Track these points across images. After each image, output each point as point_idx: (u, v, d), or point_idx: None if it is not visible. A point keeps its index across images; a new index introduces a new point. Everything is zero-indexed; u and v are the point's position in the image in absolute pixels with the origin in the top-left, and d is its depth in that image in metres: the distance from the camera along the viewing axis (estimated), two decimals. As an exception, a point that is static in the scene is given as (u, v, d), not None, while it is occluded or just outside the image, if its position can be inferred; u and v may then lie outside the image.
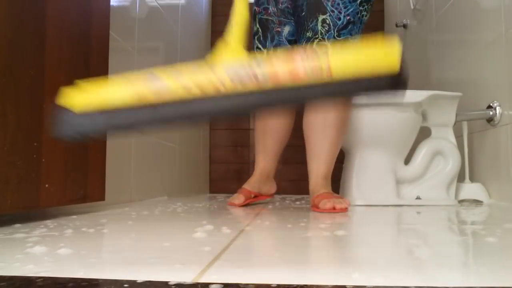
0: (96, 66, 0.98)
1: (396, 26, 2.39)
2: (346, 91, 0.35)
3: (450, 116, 1.45)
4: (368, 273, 0.35)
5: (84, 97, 0.37)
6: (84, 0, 0.93)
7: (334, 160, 1.20)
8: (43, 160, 0.77)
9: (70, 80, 0.87)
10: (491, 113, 1.37)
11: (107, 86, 0.38)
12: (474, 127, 1.52)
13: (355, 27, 1.10)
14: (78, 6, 0.91)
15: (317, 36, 1.08)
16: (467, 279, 0.33)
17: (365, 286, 0.30)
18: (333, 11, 1.07)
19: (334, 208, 0.99)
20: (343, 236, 0.58)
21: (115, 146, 1.31)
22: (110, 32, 1.26)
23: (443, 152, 1.41)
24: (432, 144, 1.41)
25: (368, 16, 1.15)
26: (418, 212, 1.03)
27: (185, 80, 0.35)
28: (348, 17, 1.08)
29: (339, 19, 1.07)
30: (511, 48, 1.27)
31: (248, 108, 0.36)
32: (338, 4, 1.07)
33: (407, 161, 1.46)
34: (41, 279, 0.33)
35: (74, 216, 0.89)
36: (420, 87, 2.13)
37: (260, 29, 1.24)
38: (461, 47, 1.64)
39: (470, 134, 1.55)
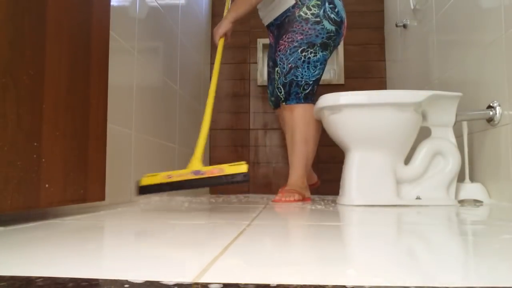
0: (96, 66, 0.98)
1: (396, 26, 2.39)
2: (228, 178, 0.99)
3: (450, 116, 1.45)
4: (368, 273, 0.35)
5: (145, 180, 1.07)
6: (84, 0, 0.93)
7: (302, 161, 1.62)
8: (43, 160, 0.77)
9: (70, 80, 0.87)
10: (491, 113, 1.37)
11: (152, 177, 1.06)
12: (474, 127, 1.52)
13: (299, 69, 1.53)
14: (78, 6, 0.91)
15: (275, 82, 1.59)
16: (467, 279, 0.33)
17: (364, 286, 0.30)
18: (280, 63, 1.55)
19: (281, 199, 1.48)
20: (343, 236, 0.58)
21: (115, 146, 1.31)
22: (110, 32, 1.26)
23: (443, 152, 1.41)
24: (432, 144, 1.41)
25: (320, 55, 1.52)
26: (418, 212, 1.03)
27: (179, 175, 1.05)
28: (290, 65, 1.53)
29: (284, 68, 1.54)
30: (511, 48, 1.27)
31: (199, 184, 1.03)
32: (282, 58, 1.54)
33: (407, 161, 1.46)
34: (41, 279, 0.33)
35: (74, 216, 0.89)
36: (420, 87, 2.13)
37: (267, 79, 1.83)
38: (461, 47, 1.64)
39: (470, 134, 1.55)
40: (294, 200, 1.45)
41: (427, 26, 2.01)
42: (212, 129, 2.81)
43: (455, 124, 1.46)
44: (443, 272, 0.35)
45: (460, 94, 1.43)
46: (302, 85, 1.54)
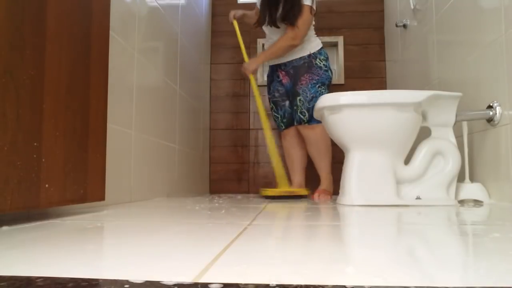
0: (96, 66, 0.98)
1: (396, 26, 2.39)
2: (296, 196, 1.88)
3: (450, 116, 1.45)
4: (368, 273, 0.35)
5: (268, 192, 1.86)
6: (84, 0, 0.93)
7: (327, 165, 2.11)
8: (43, 160, 0.77)
9: (70, 80, 0.87)
10: (491, 113, 1.37)
11: (274, 190, 1.88)
12: (474, 127, 1.52)
13: (316, 99, 1.96)
14: (78, 6, 0.91)
15: (297, 107, 2.01)
16: (467, 279, 0.33)
17: (364, 286, 0.30)
18: (303, 93, 2.00)
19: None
20: (343, 236, 0.58)
21: (115, 146, 1.31)
22: (110, 32, 1.26)
23: (443, 152, 1.41)
24: (432, 144, 1.41)
25: (326, 91, 2.04)
26: (418, 212, 1.03)
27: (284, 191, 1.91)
28: (312, 95, 1.99)
29: (307, 97, 1.99)
30: (511, 48, 1.27)
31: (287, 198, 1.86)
32: (305, 90, 2.00)
33: (407, 161, 1.46)
34: (41, 279, 0.33)
35: (74, 216, 0.89)
36: (420, 87, 2.13)
37: (274, 106, 2.18)
38: (461, 47, 1.64)
39: (470, 134, 1.55)
40: (328, 199, 1.88)
41: (427, 26, 2.01)
42: (212, 129, 2.82)
43: (455, 124, 1.46)
44: (443, 272, 0.35)
45: (460, 94, 1.43)
46: None
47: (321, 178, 2.06)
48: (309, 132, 2.02)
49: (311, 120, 1.99)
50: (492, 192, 1.40)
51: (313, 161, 2.08)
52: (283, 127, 2.17)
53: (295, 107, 2.01)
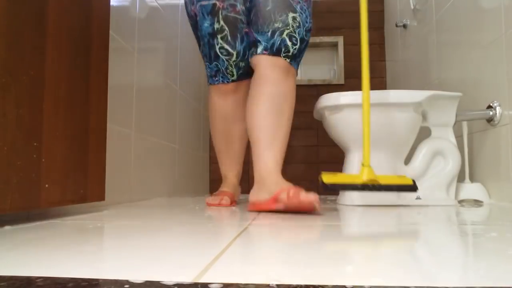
0: (96, 66, 0.98)
1: (396, 26, 2.39)
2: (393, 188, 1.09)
3: (450, 116, 1.45)
4: (368, 273, 0.35)
5: (331, 178, 1.02)
6: (84, 0, 0.93)
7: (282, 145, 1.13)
8: (43, 160, 0.77)
9: (70, 80, 0.87)
10: (491, 113, 1.37)
11: (339, 176, 1.04)
12: (474, 127, 1.52)
13: (310, 32, 1.18)
14: (78, 6, 0.91)
15: (288, 27, 1.11)
16: (467, 279, 0.33)
17: (364, 286, 0.30)
18: (301, 13, 1.14)
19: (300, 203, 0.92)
20: (343, 236, 0.58)
21: (115, 146, 1.31)
22: (110, 32, 1.26)
23: (443, 152, 1.41)
24: (432, 144, 1.41)
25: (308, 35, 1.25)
26: (418, 212, 1.03)
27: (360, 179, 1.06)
28: (311, 24, 1.17)
29: (307, 22, 1.15)
30: (511, 48, 1.27)
31: (380, 189, 1.06)
32: (305, 10, 1.15)
33: (407, 161, 1.46)
34: (41, 279, 0.33)
35: (74, 216, 0.89)
36: (420, 87, 2.13)
37: (227, 28, 1.21)
38: (461, 47, 1.64)
39: (470, 134, 1.55)
40: (317, 198, 0.95)
41: (427, 26, 2.01)
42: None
43: (455, 124, 1.46)
44: (443, 272, 0.35)
45: (460, 94, 1.43)
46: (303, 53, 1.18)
47: (268, 165, 1.07)
48: (280, 75, 1.12)
49: (295, 59, 1.15)
50: (492, 192, 1.40)
51: (258, 132, 1.10)
52: (231, 78, 1.28)
53: (281, 27, 1.11)
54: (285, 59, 1.12)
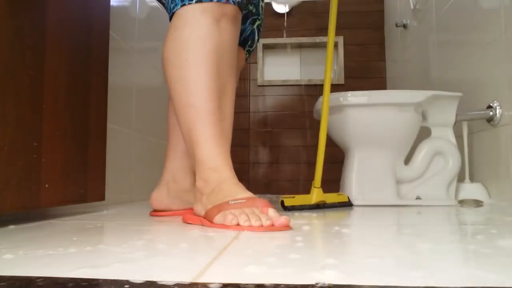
0: (96, 66, 0.98)
1: (396, 26, 2.39)
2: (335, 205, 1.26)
3: (450, 116, 1.45)
4: (368, 272, 0.35)
5: (290, 201, 1.16)
6: (84, 0, 0.93)
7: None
8: (43, 160, 0.77)
9: (70, 80, 0.87)
10: (491, 113, 1.37)
11: (296, 199, 1.18)
12: (474, 127, 1.52)
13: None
14: (78, 6, 0.91)
15: (259, 19, 1.05)
16: (467, 279, 0.33)
17: (364, 286, 0.30)
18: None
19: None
20: (343, 236, 0.58)
21: (115, 146, 1.31)
22: (110, 32, 1.26)
23: (443, 152, 1.41)
24: (432, 144, 1.41)
25: None
26: (418, 212, 1.03)
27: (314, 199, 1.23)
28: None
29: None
30: (511, 48, 1.27)
31: (327, 207, 1.23)
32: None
33: (407, 161, 1.46)
34: (41, 279, 0.33)
35: (74, 216, 0.89)
36: (420, 87, 2.13)
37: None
38: (461, 47, 1.64)
39: (470, 134, 1.55)
40: (287, 221, 0.69)
41: (427, 26, 2.01)
42: (212, 129, 2.81)
43: (455, 124, 1.46)
44: (443, 272, 0.35)
45: (460, 94, 1.43)
46: None
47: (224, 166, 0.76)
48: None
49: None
50: (492, 192, 1.40)
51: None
52: None
53: (256, 18, 1.02)
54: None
